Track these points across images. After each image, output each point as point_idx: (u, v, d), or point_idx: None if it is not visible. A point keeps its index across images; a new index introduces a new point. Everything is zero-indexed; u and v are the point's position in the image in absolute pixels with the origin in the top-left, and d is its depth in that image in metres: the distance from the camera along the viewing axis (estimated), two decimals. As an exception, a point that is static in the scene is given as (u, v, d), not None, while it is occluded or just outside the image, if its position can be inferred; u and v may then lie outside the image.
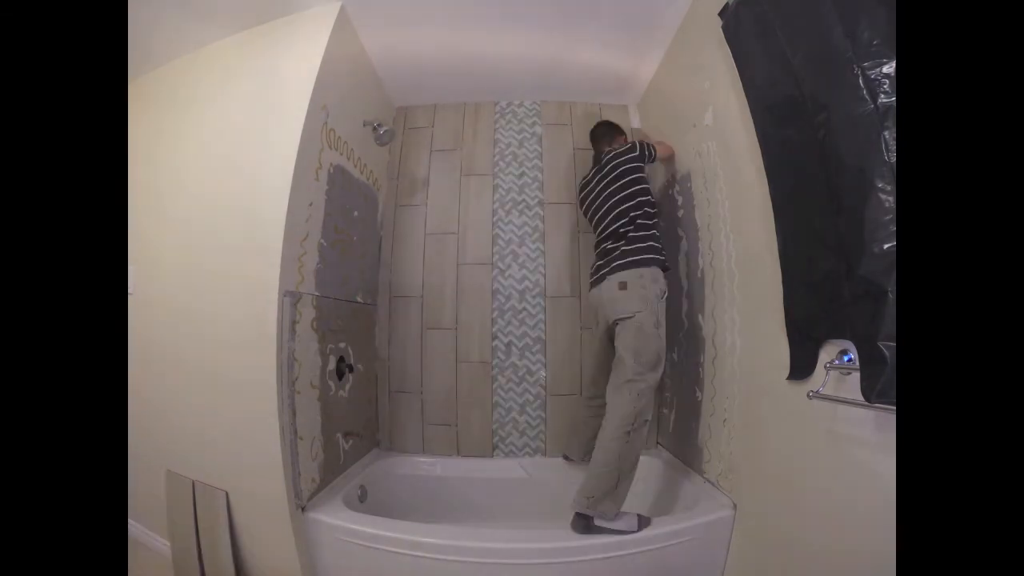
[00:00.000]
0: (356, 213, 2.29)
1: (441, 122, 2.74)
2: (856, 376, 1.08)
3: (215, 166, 1.85)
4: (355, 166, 2.23)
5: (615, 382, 1.84)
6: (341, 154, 2.08)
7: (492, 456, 2.49)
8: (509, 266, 2.57)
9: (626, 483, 1.71)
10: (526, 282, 2.56)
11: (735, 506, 1.65)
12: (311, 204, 1.84)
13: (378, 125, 2.25)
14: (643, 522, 1.65)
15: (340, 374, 2.08)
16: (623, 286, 1.93)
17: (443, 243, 2.61)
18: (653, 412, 1.81)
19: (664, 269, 1.97)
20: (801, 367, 1.33)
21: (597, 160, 2.24)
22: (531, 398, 2.51)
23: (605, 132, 2.32)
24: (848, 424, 1.15)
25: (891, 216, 0.96)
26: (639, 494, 2.22)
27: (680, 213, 2.18)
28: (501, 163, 2.67)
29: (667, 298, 2.34)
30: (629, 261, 1.96)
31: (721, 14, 1.58)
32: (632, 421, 1.74)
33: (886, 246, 0.97)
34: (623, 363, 1.83)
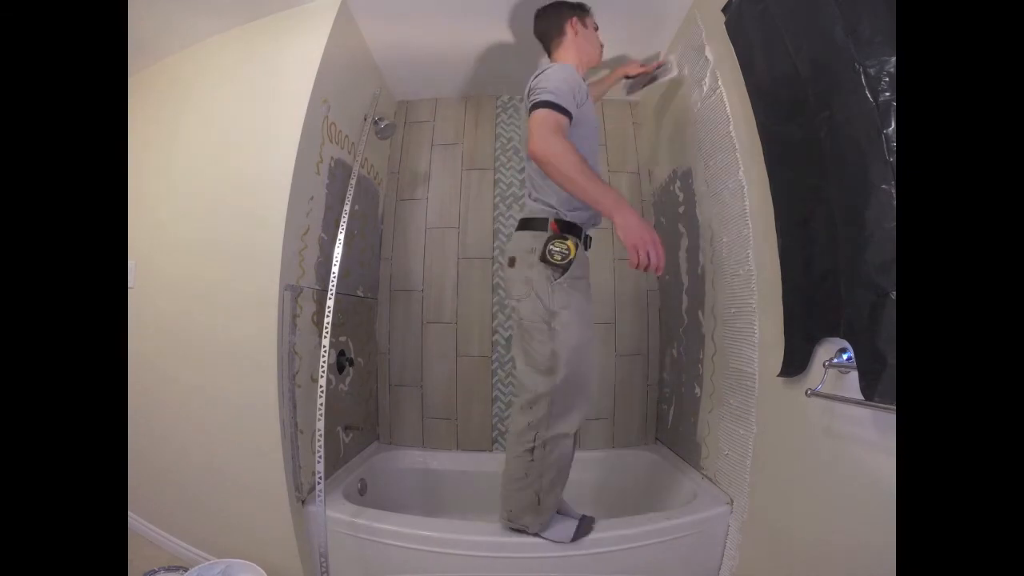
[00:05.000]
0: (357, 207, 2.28)
1: (442, 116, 2.72)
2: (854, 375, 1.09)
3: (216, 159, 1.85)
4: (356, 160, 2.23)
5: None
6: (342, 148, 2.07)
7: (491, 450, 2.50)
8: (510, 261, 2.57)
9: (550, 497, 1.51)
10: (526, 277, 2.55)
11: (732, 502, 1.66)
12: (312, 198, 1.84)
13: (379, 119, 2.25)
14: (583, 528, 1.54)
15: (340, 368, 2.09)
16: (511, 261, 1.53)
17: (444, 237, 2.60)
18: (579, 421, 1.49)
19: (568, 232, 1.48)
20: (793, 364, 1.34)
21: None
22: (531, 393, 2.51)
23: (549, 25, 1.69)
24: (846, 422, 1.15)
25: (891, 215, 0.96)
26: (637, 490, 2.24)
27: (681, 209, 2.17)
28: (502, 157, 2.66)
29: (665, 293, 2.28)
30: (522, 220, 1.58)
31: (724, 10, 1.57)
32: (530, 437, 1.46)
33: (886, 245, 0.97)
34: (514, 366, 1.54)
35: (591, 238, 1.64)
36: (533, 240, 1.48)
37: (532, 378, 1.47)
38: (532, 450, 1.47)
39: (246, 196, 1.75)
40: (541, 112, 1.36)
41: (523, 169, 2.60)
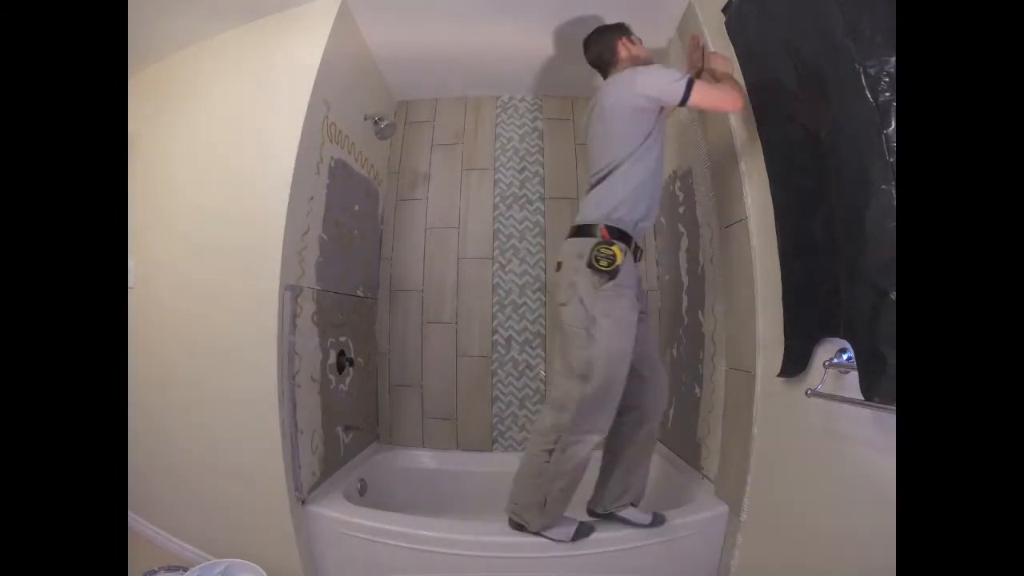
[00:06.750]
0: (357, 207, 2.28)
1: (442, 116, 2.73)
2: (854, 375, 1.09)
3: (216, 159, 1.85)
4: (356, 160, 2.23)
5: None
6: (342, 148, 2.07)
7: (491, 450, 2.50)
8: (509, 261, 2.57)
9: (558, 504, 1.51)
10: (526, 277, 2.56)
11: (732, 502, 1.65)
12: (312, 198, 1.84)
13: (379, 119, 2.25)
14: (582, 531, 1.55)
15: (340, 368, 2.09)
16: (558, 265, 1.56)
17: (444, 237, 2.61)
18: (602, 432, 1.48)
19: (617, 239, 1.45)
20: (793, 364, 1.33)
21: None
22: (530, 392, 2.52)
23: (602, 50, 1.73)
24: (846, 423, 1.15)
25: (891, 215, 0.96)
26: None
27: (681, 209, 2.17)
28: (502, 157, 2.66)
29: (665, 293, 2.26)
30: (573, 227, 1.56)
31: (724, 10, 1.57)
32: (551, 439, 1.47)
33: (886, 245, 0.97)
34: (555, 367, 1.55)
35: (642, 250, 1.61)
36: (582, 246, 1.46)
37: (566, 381, 1.47)
38: (551, 452, 1.47)
39: (246, 196, 1.75)
40: (696, 90, 1.46)
41: (523, 169, 2.62)
